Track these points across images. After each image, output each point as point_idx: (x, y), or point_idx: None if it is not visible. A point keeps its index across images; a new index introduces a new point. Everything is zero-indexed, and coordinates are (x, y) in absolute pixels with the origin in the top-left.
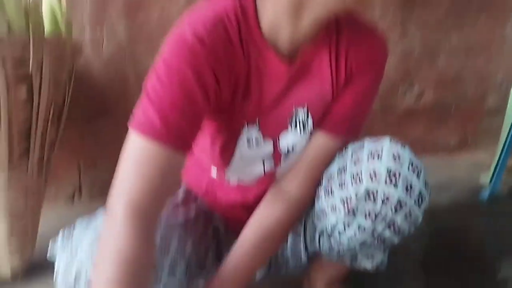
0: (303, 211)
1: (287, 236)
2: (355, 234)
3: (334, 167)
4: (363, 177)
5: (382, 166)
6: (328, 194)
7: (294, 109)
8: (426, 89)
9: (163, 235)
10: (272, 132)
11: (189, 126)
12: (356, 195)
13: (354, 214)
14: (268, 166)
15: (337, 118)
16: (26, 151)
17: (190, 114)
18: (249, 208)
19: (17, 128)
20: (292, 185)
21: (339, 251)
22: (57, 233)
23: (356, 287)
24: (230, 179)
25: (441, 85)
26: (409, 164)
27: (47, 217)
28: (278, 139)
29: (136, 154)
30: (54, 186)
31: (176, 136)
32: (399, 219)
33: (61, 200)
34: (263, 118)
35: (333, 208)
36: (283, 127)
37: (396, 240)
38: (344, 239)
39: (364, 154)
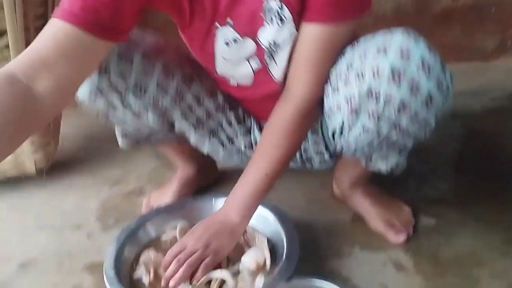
0: (313, 108)
1: (301, 136)
2: (360, 135)
3: (342, 62)
4: (366, 74)
5: (386, 63)
6: (334, 91)
7: (264, 1)
8: None
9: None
10: (248, 30)
11: (112, 14)
12: (359, 94)
13: (357, 113)
14: (255, 65)
15: (317, 3)
16: None
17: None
18: (256, 104)
19: (33, 15)
20: (296, 85)
21: (349, 150)
22: (78, 133)
23: (384, 187)
24: (229, 80)
25: None
26: (419, 62)
27: (69, 118)
28: (257, 36)
29: (45, 32)
30: None
31: (93, 22)
32: (404, 121)
33: None
34: (234, 17)
35: (338, 107)
36: (259, 23)
37: (409, 143)
38: (351, 139)
39: (371, 48)
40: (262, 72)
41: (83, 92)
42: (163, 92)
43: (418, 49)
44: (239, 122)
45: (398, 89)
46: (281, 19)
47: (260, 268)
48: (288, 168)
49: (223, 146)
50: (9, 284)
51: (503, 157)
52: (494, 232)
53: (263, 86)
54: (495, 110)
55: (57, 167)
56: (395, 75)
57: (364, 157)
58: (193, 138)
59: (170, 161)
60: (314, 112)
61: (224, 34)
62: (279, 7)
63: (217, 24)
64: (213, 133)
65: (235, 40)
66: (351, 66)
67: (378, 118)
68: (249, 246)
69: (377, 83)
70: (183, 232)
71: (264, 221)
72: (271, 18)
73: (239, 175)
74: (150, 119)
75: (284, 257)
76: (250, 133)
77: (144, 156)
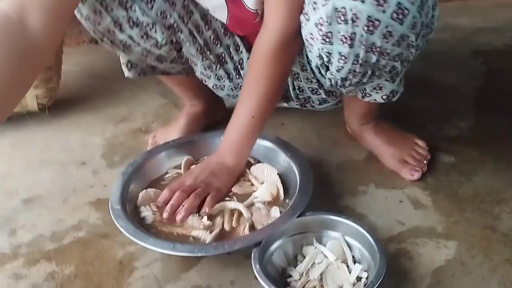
0: (291, 40)
1: (282, 70)
2: (340, 65)
3: None
4: None
5: None
6: (307, 19)
7: None
8: None
9: None
10: None
11: None
12: (326, 15)
13: (330, 40)
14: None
15: None
16: None
17: None
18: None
19: None
20: (271, 17)
21: (338, 84)
22: (82, 71)
23: (402, 127)
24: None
25: None
26: None
27: (72, 56)
28: None
29: None
30: (78, 27)
31: None
32: (378, 41)
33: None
34: None
35: (312, 37)
36: None
37: (396, 65)
38: (334, 71)
39: None
40: (235, 2)
41: (86, 11)
42: (170, 7)
43: None
44: (246, 48)
45: (362, 4)
46: None
47: (275, 200)
48: (275, 106)
49: (229, 78)
50: (14, 219)
51: None
52: None
53: (240, 21)
54: None
55: (61, 104)
56: None
57: (358, 90)
58: (199, 67)
59: (177, 100)
60: (292, 44)
61: None
62: None
63: None
64: (220, 60)
65: None
66: None
67: (351, 40)
68: (259, 182)
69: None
70: (189, 165)
71: (276, 156)
72: None
73: None
74: (158, 37)
75: (297, 192)
76: None
77: (150, 95)
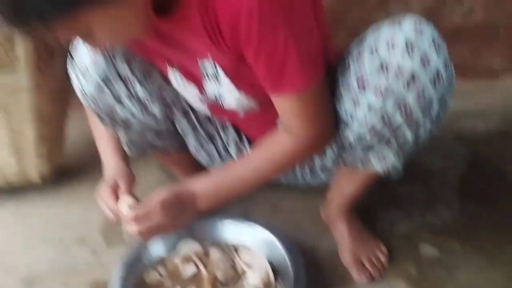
0: (319, 144)
1: (290, 168)
2: (364, 116)
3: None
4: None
5: (401, 36)
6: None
7: (199, 61)
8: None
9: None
10: (193, 79)
11: None
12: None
13: (364, 88)
14: (205, 103)
15: (265, 79)
16: (52, 53)
17: None
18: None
19: None
20: (295, 126)
21: (350, 146)
22: (85, 138)
23: (387, 214)
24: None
25: (492, 3)
26: (430, 38)
27: (75, 123)
28: (203, 86)
29: None
30: None
31: None
32: (410, 98)
33: None
34: (178, 65)
35: (347, 87)
36: (200, 77)
37: (409, 135)
38: (356, 126)
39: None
40: (214, 105)
41: (89, 87)
42: (167, 84)
43: (429, 29)
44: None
45: (411, 61)
46: (217, 80)
47: (266, 285)
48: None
49: (219, 154)
50: None
51: (506, 184)
52: (495, 267)
53: (223, 114)
54: (499, 133)
55: (63, 174)
56: (409, 47)
57: (361, 159)
58: (192, 142)
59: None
60: (318, 148)
61: (173, 73)
62: (214, 69)
63: (166, 63)
64: (211, 137)
65: (181, 81)
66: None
67: (386, 92)
68: (249, 267)
69: (391, 54)
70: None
71: (268, 244)
72: (209, 78)
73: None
74: (156, 110)
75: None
76: (242, 141)
77: (150, 168)
